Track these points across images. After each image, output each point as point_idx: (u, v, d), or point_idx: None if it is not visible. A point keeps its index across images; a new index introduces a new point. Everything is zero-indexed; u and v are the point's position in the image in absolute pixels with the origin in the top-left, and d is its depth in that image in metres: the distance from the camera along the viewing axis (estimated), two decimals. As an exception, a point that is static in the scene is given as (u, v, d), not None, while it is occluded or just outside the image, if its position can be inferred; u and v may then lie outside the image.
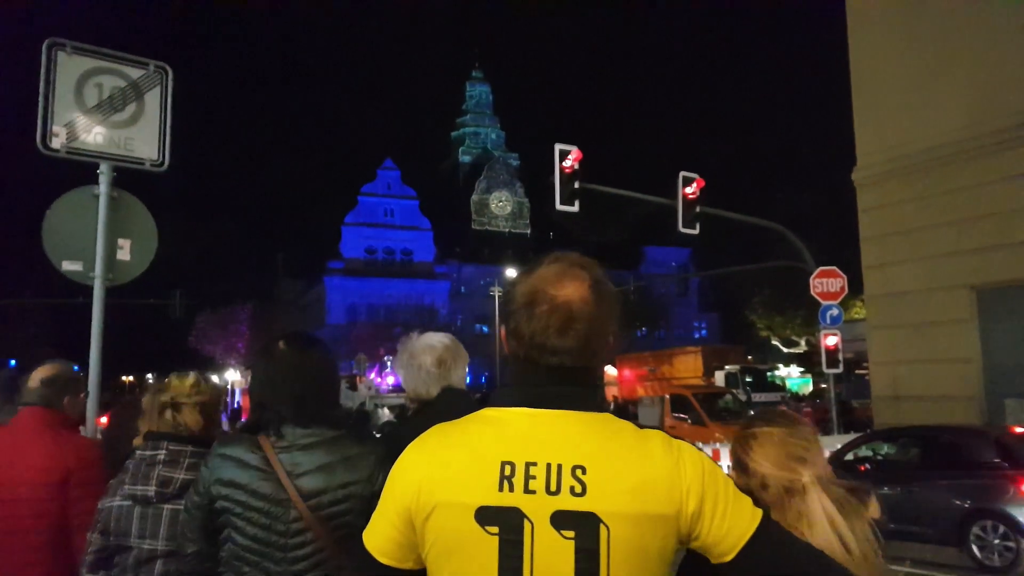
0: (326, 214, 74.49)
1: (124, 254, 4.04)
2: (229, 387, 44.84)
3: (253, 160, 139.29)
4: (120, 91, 4.03)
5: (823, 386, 34.54)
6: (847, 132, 16.85)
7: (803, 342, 41.54)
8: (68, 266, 3.88)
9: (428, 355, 2.24)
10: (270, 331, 46.32)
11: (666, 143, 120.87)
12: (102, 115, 3.97)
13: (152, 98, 4.13)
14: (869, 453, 8.65)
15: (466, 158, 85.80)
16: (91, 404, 3.74)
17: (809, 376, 41.77)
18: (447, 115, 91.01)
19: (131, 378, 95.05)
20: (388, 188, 71.00)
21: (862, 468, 8.30)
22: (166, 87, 4.17)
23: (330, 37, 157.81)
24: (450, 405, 2.07)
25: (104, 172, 3.96)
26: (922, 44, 15.11)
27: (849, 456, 8.61)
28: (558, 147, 13.17)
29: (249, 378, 2.06)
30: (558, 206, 13.22)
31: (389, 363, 47.82)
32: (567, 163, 13.20)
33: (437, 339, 2.30)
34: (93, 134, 3.94)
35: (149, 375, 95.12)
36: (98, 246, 3.90)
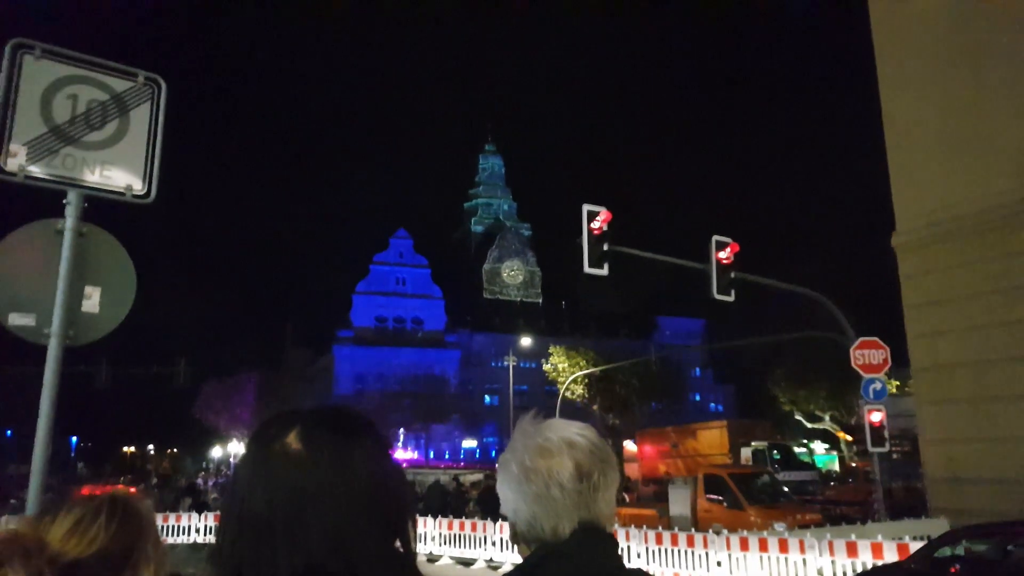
0: (337, 283, 74.23)
1: (91, 305, 3.20)
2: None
3: (265, 228, 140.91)
4: (100, 105, 3.28)
5: (853, 465, 32.90)
6: (881, 197, 16.21)
7: (827, 417, 39.99)
8: (16, 320, 3.03)
9: (564, 460, 1.19)
10: (277, 401, 45.20)
11: (684, 210, 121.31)
12: (74, 133, 3.20)
13: (139, 116, 3.37)
14: (960, 552, 7.49)
15: (478, 228, 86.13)
16: (34, 488, 3.02)
17: (834, 453, 40.01)
18: (460, 186, 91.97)
19: (132, 449, 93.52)
20: (400, 256, 70.97)
21: (953, 570, 7.13)
22: (157, 103, 3.41)
23: (347, 107, 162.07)
24: (589, 562, 1.13)
25: (72, 202, 3.17)
26: (960, 106, 14.66)
27: (944, 552, 7.43)
28: (586, 208, 12.48)
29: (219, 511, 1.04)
30: (586, 269, 12.43)
31: (401, 434, 46.28)
32: (596, 224, 12.48)
33: (574, 432, 1.23)
34: (61, 156, 3.16)
35: (150, 446, 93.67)
36: (58, 295, 3.06)
